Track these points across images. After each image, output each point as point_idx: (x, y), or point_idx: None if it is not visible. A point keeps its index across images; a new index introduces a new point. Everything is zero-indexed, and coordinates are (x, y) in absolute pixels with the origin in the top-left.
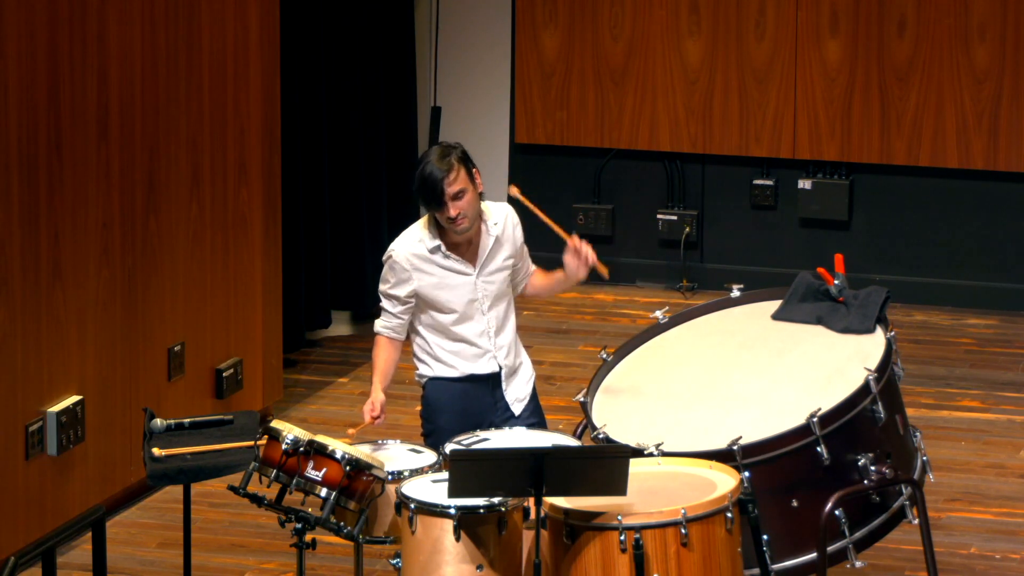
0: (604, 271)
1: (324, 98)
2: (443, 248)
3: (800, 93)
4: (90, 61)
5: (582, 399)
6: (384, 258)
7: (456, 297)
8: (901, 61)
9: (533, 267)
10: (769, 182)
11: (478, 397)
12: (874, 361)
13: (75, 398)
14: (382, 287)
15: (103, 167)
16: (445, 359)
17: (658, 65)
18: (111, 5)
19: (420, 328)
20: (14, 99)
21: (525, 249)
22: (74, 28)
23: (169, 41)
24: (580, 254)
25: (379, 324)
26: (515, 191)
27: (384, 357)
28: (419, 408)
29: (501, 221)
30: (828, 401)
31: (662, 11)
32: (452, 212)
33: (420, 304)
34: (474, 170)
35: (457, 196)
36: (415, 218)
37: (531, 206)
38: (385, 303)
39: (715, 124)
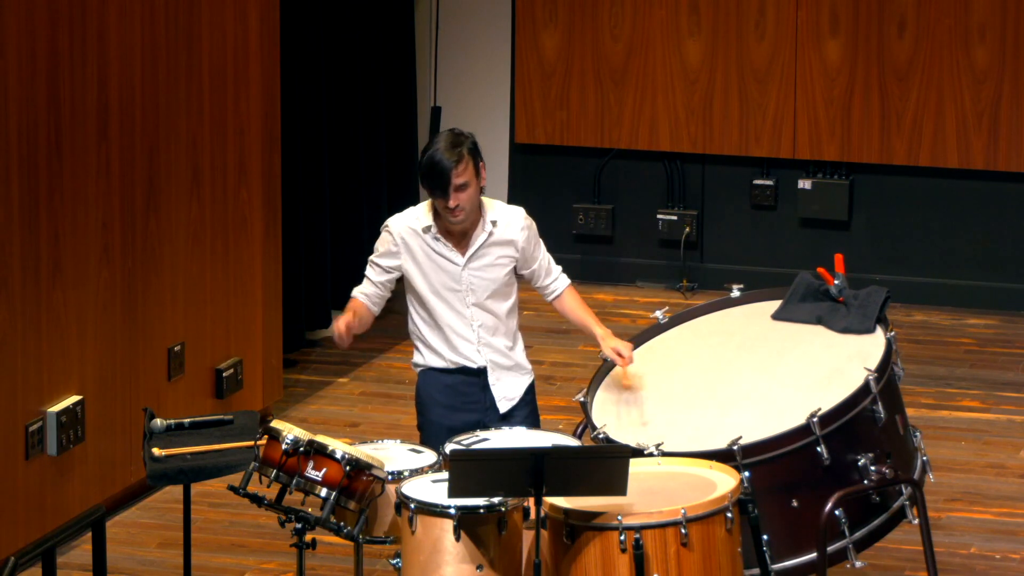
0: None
1: (324, 98)
2: (434, 230)
3: (800, 93)
4: (90, 61)
5: (582, 399)
6: (382, 227)
7: (438, 282)
8: (901, 61)
9: (561, 280)
10: (769, 182)
11: (467, 392)
12: (874, 361)
13: (75, 398)
14: (373, 255)
15: (103, 167)
16: (435, 347)
17: (658, 65)
18: (111, 5)
19: (413, 314)
20: (14, 99)
21: (540, 254)
22: (74, 28)
23: (169, 41)
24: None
25: (356, 289)
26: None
27: (357, 306)
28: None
29: (503, 221)
30: (828, 401)
31: (662, 11)
32: (452, 203)
33: (407, 286)
34: (481, 164)
35: (461, 188)
36: None
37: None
38: (368, 270)
39: (715, 124)
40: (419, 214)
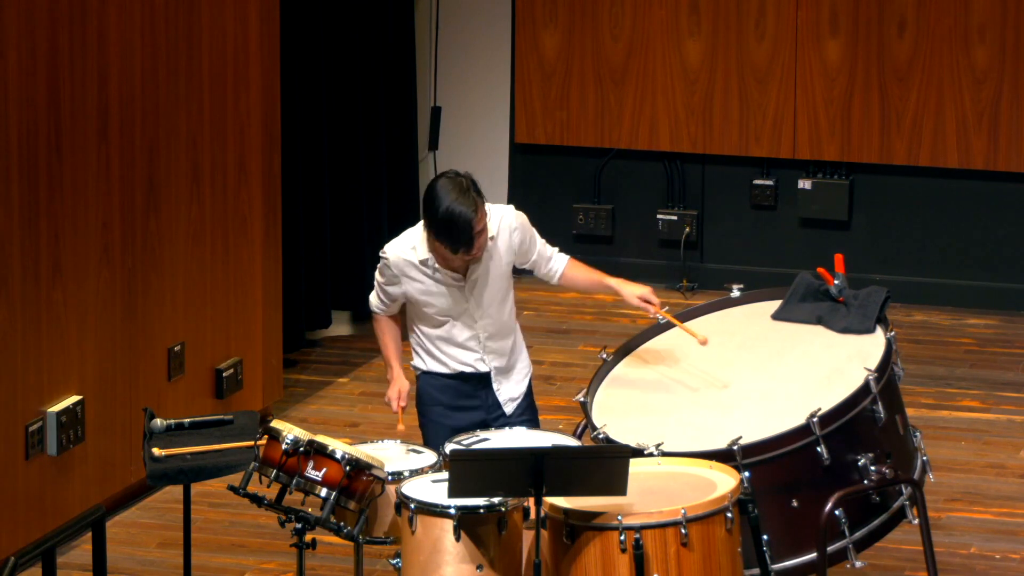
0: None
1: (324, 98)
2: (432, 262)
3: (800, 93)
4: (90, 61)
5: (582, 399)
6: (380, 254)
7: (444, 304)
8: (901, 61)
9: (559, 257)
10: (769, 182)
11: (468, 393)
12: (874, 361)
13: (75, 398)
14: (377, 277)
15: (103, 167)
16: (437, 355)
17: (658, 65)
18: (111, 5)
19: (414, 323)
20: (14, 99)
21: (536, 244)
22: (74, 28)
23: (169, 41)
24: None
25: (375, 303)
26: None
27: (391, 333)
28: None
29: (494, 231)
30: (828, 401)
31: (662, 11)
32: (474, 250)
33: (410, 304)
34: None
35: (479, 234)
36: (415, 218)
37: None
38: (379, 290)
39: (715, 124)
40: (415, 243)
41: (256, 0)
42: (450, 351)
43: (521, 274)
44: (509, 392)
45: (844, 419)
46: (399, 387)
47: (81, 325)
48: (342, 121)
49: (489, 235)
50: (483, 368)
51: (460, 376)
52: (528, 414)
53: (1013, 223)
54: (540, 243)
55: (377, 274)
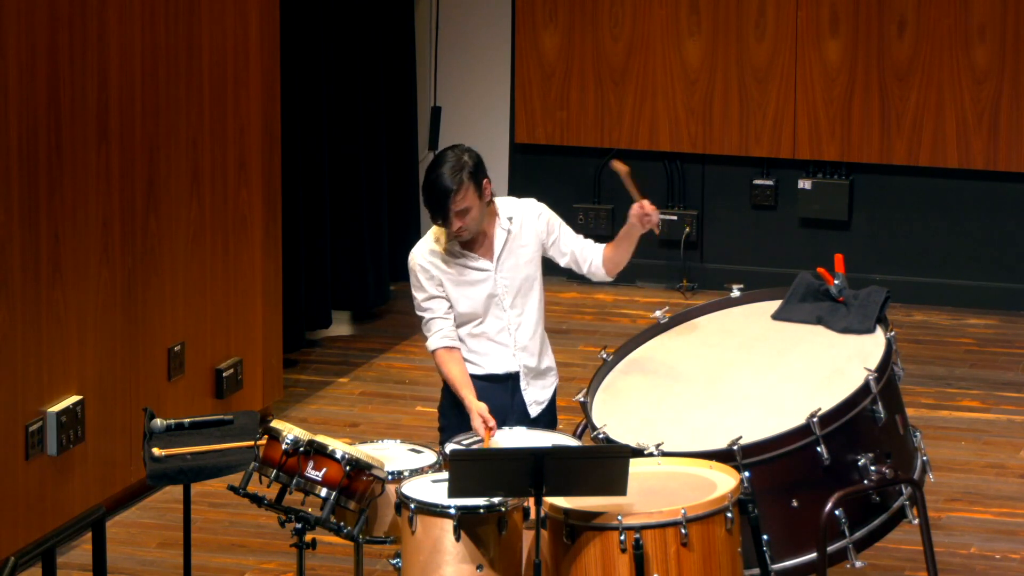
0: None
1: (324, 98)
2: (457, 246)
3: (800, 93)
4: (90, 61)
5: (582, 399)
6: (409, 268)
7: (476, 293)
8: (901, 61)
9: (595, 245)
10: (769, 182)
11: (496, 397)
12: (874, 361)
13: (75, 398)
14: (417, 298)
15: (103, 167)
16: (468, 357)
17: (658, 65)
18: (111, 5)
19: None
20: (14, 99)
21: (564, 232)
22: (74, 28)
23: (169, 41)
24: (645, 218)
25: (431, 342)
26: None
27: (457, 369)
28: (419, 408)
29: (518, 217)
30: (828, 401)
31: (662, 11)
32: (454, 227)
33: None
34: (484, 182)
35: (462, 213)
36: (416, 217)
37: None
38: (427, 313)
39: (715, 124)
40: (437, 235)
41: (256, 0)
42: (482, 347)
43: (567, 267)
44: (535, 395)
45: (844, 419)
46: (478, 411)
47: (81, 325)
48: (342, 121)
49: (507, 215)
50: (514, 367)
51: (491, 378)
52: (547, 420)
53: (1013, 223)
54: (568, 229)
55: (414, 291)
